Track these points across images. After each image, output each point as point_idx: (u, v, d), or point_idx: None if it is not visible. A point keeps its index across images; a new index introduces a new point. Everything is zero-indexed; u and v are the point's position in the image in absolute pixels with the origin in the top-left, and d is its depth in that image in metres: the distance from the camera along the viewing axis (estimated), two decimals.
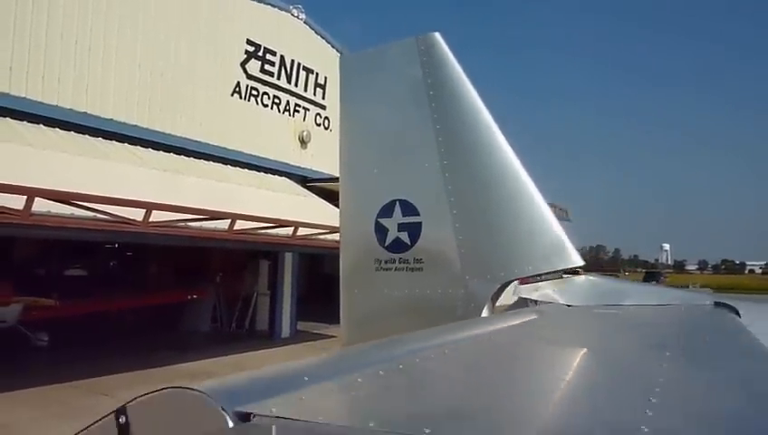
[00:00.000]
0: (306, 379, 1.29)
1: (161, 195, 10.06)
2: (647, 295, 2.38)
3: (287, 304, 18.45)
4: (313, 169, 19.60)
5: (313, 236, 12.21)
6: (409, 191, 2.53)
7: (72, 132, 12.96)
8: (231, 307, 18.84)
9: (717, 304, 2.09)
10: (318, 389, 1.27)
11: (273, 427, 0.93)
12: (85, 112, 12.95)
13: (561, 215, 30.13)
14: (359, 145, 2.77)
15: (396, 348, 1.81)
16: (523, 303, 2.38)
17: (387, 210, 2.59)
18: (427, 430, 0.95)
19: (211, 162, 16.10)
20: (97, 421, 1.01)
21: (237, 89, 17.42)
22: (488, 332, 1.99)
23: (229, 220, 10.56)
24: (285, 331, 18.25)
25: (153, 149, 14.42)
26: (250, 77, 17.89)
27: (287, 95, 19.51)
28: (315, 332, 18.24)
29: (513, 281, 2.30)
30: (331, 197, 16.30)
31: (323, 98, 21.07)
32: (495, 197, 2.35)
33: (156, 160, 13.93)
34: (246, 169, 17.49)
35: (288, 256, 17.95)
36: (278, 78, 19.06)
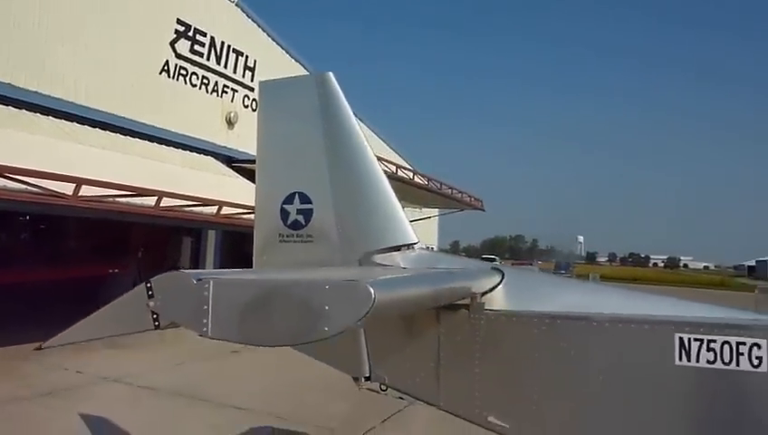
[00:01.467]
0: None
1: (89, 170, 10.49)
2: (456, 262, 3.50)
3: None
4: (239, 149, 20.06)
5: (237, 216, 12.90)
6: (305, 186, 3.53)
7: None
8: None
9: (494, 268, 3.20)
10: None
11: (212, 281, 1.85)
12: (10, 84, 13.00)
13: (477, 205, 31.97)
14: (270, 149, 3.74)
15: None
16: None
17: (289, 199, 3.57)
18: None
19: (138, 139, 16.33)
20: (131, 292, 1.89)
21: (166, 67, 17.66)
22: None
23: (156, 197, 11.11)
24: None
25: (78, 123, 14.55)
26: (179, 56, 18.14)
27: (216, 76, 19.86)
28: None
29: (371, 251, 3.33)
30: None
31: (252, 80, 21.52)
32: (362, 192, 3.37)
33: (83, 135, 14.12)
34: (173, 148, 17.79)
35: (211, 234, 18.45)
36: (207, 59, 19.38)
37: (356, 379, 3.19)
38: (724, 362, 2.35)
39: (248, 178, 18.82)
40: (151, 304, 1.83)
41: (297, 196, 3.51)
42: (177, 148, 17.93)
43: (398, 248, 3.29)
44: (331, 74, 3.53)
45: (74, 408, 7.84)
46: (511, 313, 2.86)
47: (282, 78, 3.82)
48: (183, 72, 18.36)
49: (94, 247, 18.82)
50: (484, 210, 33.25)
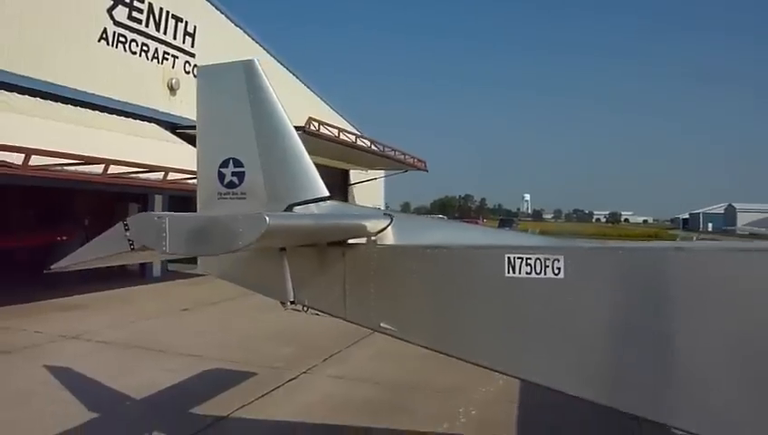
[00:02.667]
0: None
1: (35, 140, 10.83)
2: (361, 211, 4.43)
3: None
4: (183, 116, 20.28)
5: (182, 181, 13.44)
6: (238, 152, 4.33)
7: None
8: None
9: (386, 214, 4.13)
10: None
11: (167, 217, 2.65)
12: None
13: (420, 166, 33.06)
14: (207, 123, 4.52)
15: None
16: None
17: (225, 163, 4.37)
18: None
19: (80, 108, 16.44)
20: (113, 228, 2.66)
21: (104, 35, 17.66)
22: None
23: (103, 165, 11.56)
24: (157, 271, 19.28)
25: (19, 93, 14.61)
26: (117, 24, 18.13)
27: (156, 42, 19.90)
28: (186, 271, 19.42)
29: (292, 204, 4.18)
30: None
31: (192, 46, 21.62)
32: (283, 156, 4.20)
33: (25, 105, 14.21)
34: (115, 116, 17.94)
35: (158, 199, 18.80)
36: (146, 25, 19.38)
37: (282, 303, 4.12)
38: (536, 273, 3.34)
39: (192, 144, 19.17)
40: (127, 234, 2.62)
41: (231, 161, 4.31)
42: (119, 115, 18.09)
43: (314, 201, 4.16)
44: (256, 61, 4.32)
45: (36, 363, 8.51)
46: (396, 246, 3.80)
47: (215, 64, 4.57)
48: (122, 39, 18.38)
49: (42, 216, 18.93)
50: (427, 171, 34.39)
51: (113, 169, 11.90)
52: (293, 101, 26.25)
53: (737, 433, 2.89)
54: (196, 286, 17.26)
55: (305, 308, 4.11)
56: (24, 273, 16.68)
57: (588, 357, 3.27)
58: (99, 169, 11.53)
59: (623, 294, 3.21)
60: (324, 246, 3.97)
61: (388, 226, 3.90)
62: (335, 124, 24.19)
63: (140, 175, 13.06)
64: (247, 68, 4.30)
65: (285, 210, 4.15)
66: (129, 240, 2.57)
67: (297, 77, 30.05)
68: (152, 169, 13.02)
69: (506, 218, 78.26)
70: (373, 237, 3.85)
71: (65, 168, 10.83)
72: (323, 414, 6.77)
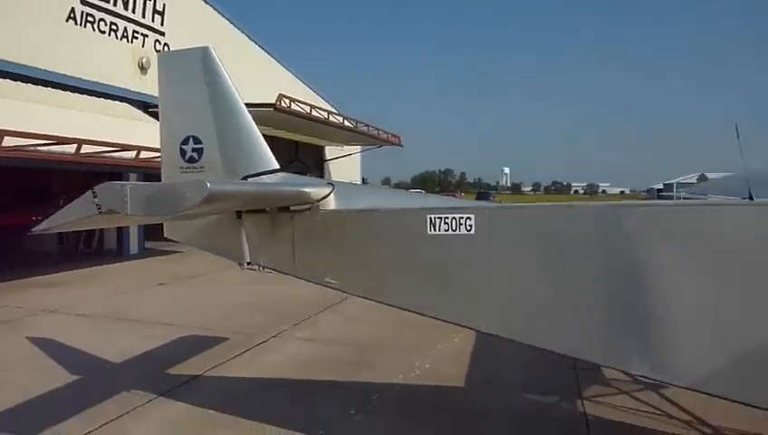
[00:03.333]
0: None
1: (7, 121, 11.11)
2: (310, 181, 4.98)
3: None
4: (154, 94, 20.32)
5: (155, 159, 13.78)
6: (197, 130, 4.82)
7: None
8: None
9: (328, 183, 4.66)
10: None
11: (128, 185, 3.16)
12: None
13: (394, 141, 33.52)
14: (169, 105, 4.98)
15: None
16: None
17: (185, 141, 4.86)
18: None
19: (50, 88, 16.57)
20: (83, 196, 3.15)
21: (72, 15, 17.69)
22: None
23: (75, 145, 11.88)
24: (134, 248, 19.67)
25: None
26: (85, 3, 18.15)
27: (125, 21, 19.94)
28: (162, 248, 19.83)
29: (246, 176, 4.70)
30: None
31: (162, 24, 21.66)
32: (237, 134, 4.70)
33: None
34: (86, 96, 18.06)
35: (133, 177, 19.04)
36: (114, 4, 19.41)
37: (240, 264, 4.67)
38: (452, 230, 3.92)
39: None
40: (96, 200, 3.12)
41: (191, 138, 4.80)
42: (91, 96, 18.23)
43: (266, 173, 4.68)
44: (210, 48, 4.80)
45: (19, 334, 8.97)
46: (336, 210, 4.35)
47: (174, 51, 5.07)
48: (90, 18, 18.42)
49: (16, 197, 19.10)
50: (401, 145, 34.87)
51: (86, 149, 12.21)
52: (266, 79, 26.44)
53: (633, 360, 3.52)
54: (172, 263, 17.70)
55: (261, 268, 4.67)
56: (3, 252, 16.97)
57: (496, 299, 3.88)
58: (72, 148, 11.84)
59: (523, 245, 3.82)
60: (275, 211, 4.51)
61: (330, 193, 4.44)
62: (309, 102, 24.50)
63: (114, 154, 13.38)
64: (203, 54, 4.78)
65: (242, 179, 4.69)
66: (98, 205, 3.08)
67: (271, 55, 30.15)
68: (125, 147, 13.34)
69: (484, 192, 79.38)
70: (317, 203, 4.39)
71: (38, 148, 11.13)
72: (290, 371, 7.38)
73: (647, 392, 6.40)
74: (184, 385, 6.75)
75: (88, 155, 12.40)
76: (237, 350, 8.19)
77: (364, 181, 46.95)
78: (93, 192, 3.01)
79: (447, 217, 3.96)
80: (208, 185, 2.95)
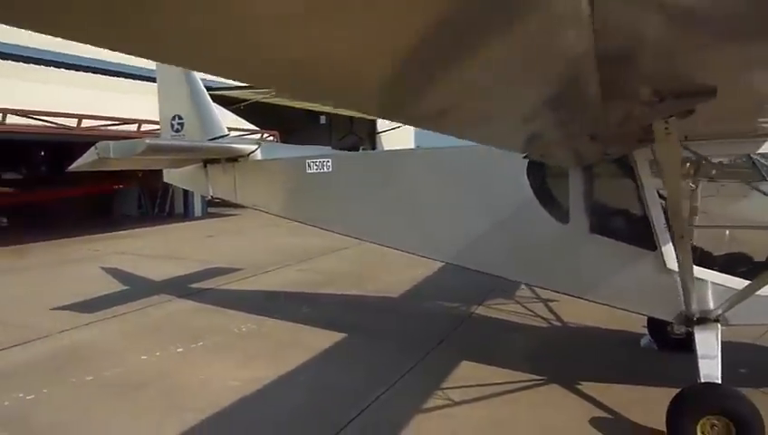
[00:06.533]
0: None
1: (83, 108, 14.30)
2: (246, 141, 7.43)
3: None
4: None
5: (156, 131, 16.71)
6: (181, 110, 7.42)
7: None
8: (152, 196, 23.37)
9: (256, 142, 7.07)
10: None
11: (111, 143, 5.73)
12: None
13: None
14: (165, 91, 7.62)
15: None
16: None
17: (174, 118, 7.47)
18: None
19: (118, 78, 19.72)
20: (90, 149, 5.69)
21: None
22: None
23: (136, 124, 14.95)
24: (198, 211, 23.02)
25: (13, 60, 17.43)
26: None
27: None
28: (223, 213, 23.11)
29: (209, 139, 7.21)
30: None
31: None
32: (203, 113, 7.26)
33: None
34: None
35: None
36: None
37: (203, 196, 7.28)
38: (322, 170, 6.27)
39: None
40: (96, 151, 5.70)
41: (176, 116, 7.40)
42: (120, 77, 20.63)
43: (221, 137, 7.20)
44: None
45: (95, 265, 12.12)
46: (260, 160, 6.80)
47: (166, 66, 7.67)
48: None
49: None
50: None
51: (145, 127, 15.25)
52: None
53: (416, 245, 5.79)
54: (225, 223, 20.87)
55: (218, 199, 7.24)
56: (91, 218, 20.75)
57: (345, 211, 6.23)
58: (134, 127, 14.92)
59: (362, 178, 6.13)
60: (225, 162, 7.02)
61: (256, 149, 6.89)
62: None
63: (118, 127, 15.67)
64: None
65: (213, 139, 7.26)
66: (97, 153, 5.65)
67: None
68: (125, 121, 15.72)
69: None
70: (249, 155, 6.86)
71: (108, 128, 14.26)
72: (277, 287, 9.98)
73: (538, 304, 8.42)
74: (196, 293, 9.50)
75: (148, 132, 15.44)
76: (247, 274, 10.90)
77: None
78: (95, 147, 5.61)
79: (317, 162, 6.32)
80: (147, 141, 5.48)
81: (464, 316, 8.11)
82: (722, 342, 4.50)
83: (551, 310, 8.03)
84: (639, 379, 5.50)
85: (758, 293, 4.51)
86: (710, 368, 4.27)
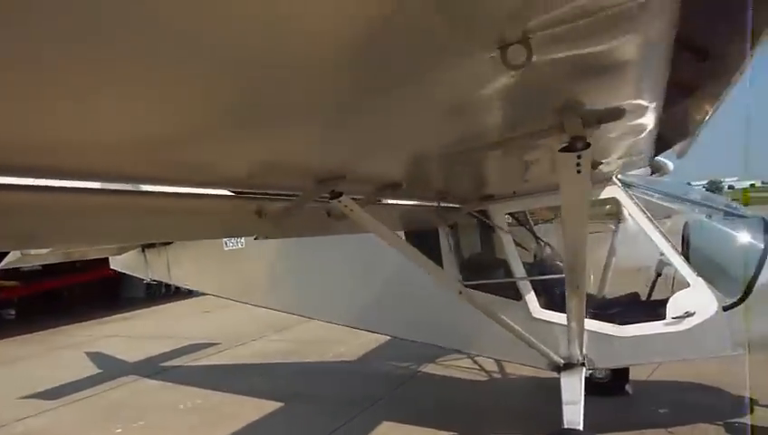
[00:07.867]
0: None
1: None
2: None
3: None
4: None
5: None
6: None
7: None
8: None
9: None
10: None
11: None
12: None
13: None
14: None
15: None
16: None
17: None
18: None
19: None
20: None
21: None
22: None
23: None
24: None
25: None
26: None
27: None
28: None
29: None
30: None
31: None
32: None
33: None
34: None
35: None
36: None
37: None
38: (237, 247, 6.64)
39: None
40: None
41: None
42: None
43: None
44: None
45: (81, 350, 12.54)
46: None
47: None
48: None
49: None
50: None
51: None
52: None
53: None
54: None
55: (155, 282, 7.62)
56: (100, 301, 21.39)
57: (268, 285, 6.54)
58: None
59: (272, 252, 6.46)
60: (159, 245, 7.43)
61: None
62: None
63: None
64: None
65: None
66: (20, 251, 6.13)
67: None
68: None
69: None
70: None
71: None
72: (249, 358, 10.24)
73: (488, 359, 8.49)
74: (162, 372, 9.80)
75: None
76: (222, 349, 11.22)
77: None
78: None
79: (232, 239, 6.70)
80: None
81: (410, 375, 8.24)
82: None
83: (498, 362, 8.09)
84: (534, 426, 5.56)
85: (621, 335, 4.63)
86: (572, 414, 4.36)
